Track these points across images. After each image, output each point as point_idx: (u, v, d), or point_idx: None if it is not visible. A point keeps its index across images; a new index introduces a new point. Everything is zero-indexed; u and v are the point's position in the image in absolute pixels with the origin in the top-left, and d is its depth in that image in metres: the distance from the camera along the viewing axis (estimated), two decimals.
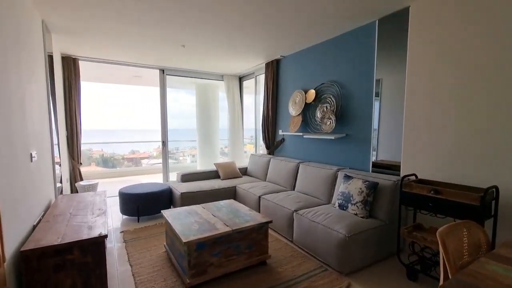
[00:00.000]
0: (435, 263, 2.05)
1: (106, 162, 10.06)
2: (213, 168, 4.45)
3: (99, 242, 1.77)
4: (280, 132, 4.32)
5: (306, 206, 2.83)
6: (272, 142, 4.50)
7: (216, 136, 7.08)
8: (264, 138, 4.57)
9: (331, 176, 3.05)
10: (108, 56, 4.18)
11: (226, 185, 3.89)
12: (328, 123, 3.23)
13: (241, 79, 5.70)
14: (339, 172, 3.00)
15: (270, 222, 2.30)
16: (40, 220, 2.10)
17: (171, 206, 3.79)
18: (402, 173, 2.52)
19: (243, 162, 5.73)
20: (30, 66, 2.20)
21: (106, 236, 1.78)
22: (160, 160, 4.93)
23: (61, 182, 3.34)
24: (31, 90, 2.20)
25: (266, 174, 4.21)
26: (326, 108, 3.32)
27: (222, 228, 2.09)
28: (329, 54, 3.36)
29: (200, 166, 7.03)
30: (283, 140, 4.33)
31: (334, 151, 3.33)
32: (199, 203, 3.52)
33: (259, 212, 3.31)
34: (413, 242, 2.18)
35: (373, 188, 2.47)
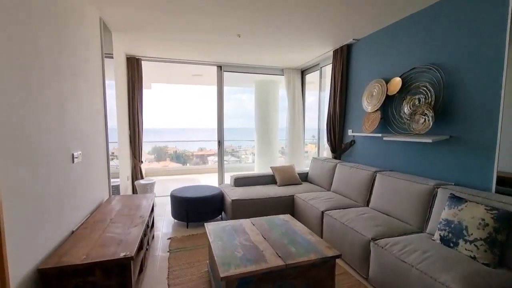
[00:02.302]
0: None
1: (179, 157, 11.00)
2: (270, 171, 3.98)
3: (123, 265, 1.47)
4: (350, 133, 3.56)
5: (389, 233, 2.09)
6: (339, 145, 3.77)
7: (275, 136, 6.63)
8: (329, 140, 3.88)
9: (425, 193, 2.21)
10: (168, 54, 4.13)
11: (282, 193, 3.37)
12: (422, 120, 2.38)
13: (303, 72, 5.08)
14: (439, 189, 2.14)
15: (339, 256, 1.68)
16: (81, 224, 1.96)
17: (222, 212, 3.48)
18: None
19: (303, 166, 5.12)
20: (78, 66, 2.10)
21: (132, 258, 1.48)
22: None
23: (117, 180, 3.37)
24: (79, 91, 2.09)
25: (331, 183, 3.53)
26: (419, 100, 2.47)
27: (272, 260, 1.58)
28: (425, 29, 2.49)
29: (257, 167, 6.69)
30: (353, 142, 3.56)
31: (430, 158, 2.45)
32: (251, 212, 3.11)
33: (322, 231, 2.69)
34: None
35: (506, 221, 1.60)
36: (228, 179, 4.72)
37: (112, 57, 3.18)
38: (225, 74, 4.73)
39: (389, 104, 2.85)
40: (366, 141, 3.30)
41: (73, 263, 1.39)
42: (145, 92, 7.97)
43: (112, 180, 3.26)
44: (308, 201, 3.02)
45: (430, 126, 2.30)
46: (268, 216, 2.35)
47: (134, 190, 4.11)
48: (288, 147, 5.08)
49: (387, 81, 2.84)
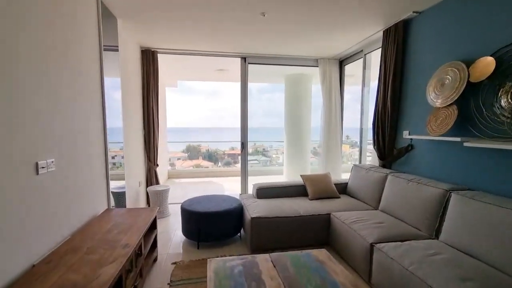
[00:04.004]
0: None
1: (211, 156, 11.38)
2: (300, 180, 3.31)
3: None
4: (406, 135, 2.76)
5: None
6: (389, 150, 2.97)
7: (307, 137, 5.92)
8: (376, 144, 3.09)
9: None
10: (186, 46, 3.66)
11: (315, 210, 2.68)
12: None
13: (342, 62, 4.30)
14: None
15: None
16: (48, 255, 1.51)
17: (242, 230, 2.90)
18: None
19: (339, 171, 4.35)
20: (55, 55, 1.66)
21: None
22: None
23: (123, 186, 2.96)
24: (55, 84, 1.66)
25: (379, 199, 2.75)
26: None
27: None
28: None
29: (287, 171, 6.03)
30: (410, 147, 2.74)
31: None
32: (274, 234, 2.52)
33: (370, 272, 1.96)
34: None
35: None
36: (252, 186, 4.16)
37: (116, 49, 2.76)
38: (251, 68, 4.14)
39: (471, 96, 2.02)
40: (432, 146, 2.47)
41: None
42: (171, 90, 7.73)
43: (118, 186, 2.89)
44: (350, 225, 2.30)
45: None
46: (296, 253, 1.71)
47: (148, 198, 3.72)
48: (323, 150, 4.33)
49: (469, 64, 2.01)
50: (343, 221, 2.41)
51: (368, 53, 3.58)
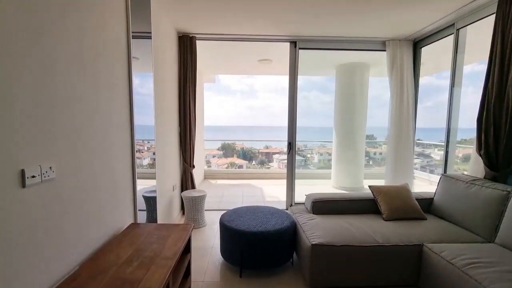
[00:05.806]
0: None
1: (245, 154, 11.47)
2: (367, 192, 2.58)
3: None
4: None
5: None
6: (507, 157, 2.10)
7: (361, 138, 5.09)
8: (484, 147, 2.22)
9: None
10: (227, 29, 3.15)
11: (399, 238, 1.94)
12: None
13: (416, 44, 3.43)
14: None
15: None
16: None
17: (294, 254, 2.28)
18: None
19: (411, 182, 3.48)
20: (67, 36, 1.21)
21: None
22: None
23: (154, 190, 2.53)
24: (65, 71, 1.21)
25: (495, 227, 1.92)
26: None
27: None
28: None
29: (335, 176, 5.24)
30: None
31: None
32: (341, 270, 1.86)
33: None
34: None
35: None
36: (298, 190, 3.54)
37: (148, 36, 2.31)
38: (301, 56, 3.48)
39: None
40: None
41: None
42: (207, 88, 7.39)
43: (148, 188, 2.47)
44: (466, 271, 1.54)
45: None
46: None
47: (182, 203, 3.29)
48: (390, 154, 3.51)
49: None
50: (449, 261, 1.65)
51: (463, 27, 2.70)
